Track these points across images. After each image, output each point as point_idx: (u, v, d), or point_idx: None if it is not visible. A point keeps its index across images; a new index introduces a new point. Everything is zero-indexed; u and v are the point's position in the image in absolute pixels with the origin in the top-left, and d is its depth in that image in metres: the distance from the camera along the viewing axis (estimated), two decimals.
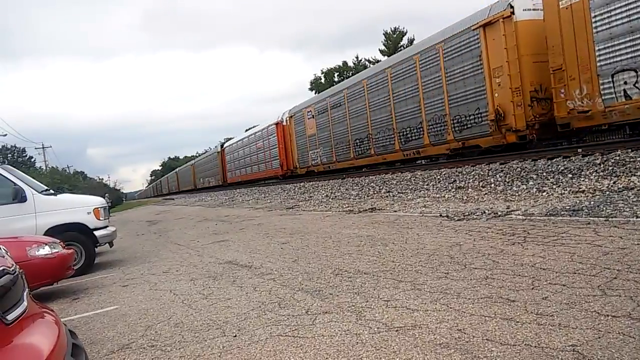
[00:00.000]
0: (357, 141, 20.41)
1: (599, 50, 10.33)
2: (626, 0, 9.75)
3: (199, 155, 77.41)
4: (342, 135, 21.74)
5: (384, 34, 55.42)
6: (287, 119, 27.96)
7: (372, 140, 19.23)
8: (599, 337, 2.66)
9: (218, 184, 45.28)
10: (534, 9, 12.31)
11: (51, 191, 9.33)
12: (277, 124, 29.29)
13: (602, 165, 9.05)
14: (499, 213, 7.62)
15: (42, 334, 2.08)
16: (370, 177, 17.00)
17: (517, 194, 9.49)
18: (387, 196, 13.59)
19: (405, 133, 17.09)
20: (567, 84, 11.13)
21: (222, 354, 3.30)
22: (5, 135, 53.35)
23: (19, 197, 8.15)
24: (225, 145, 43.86)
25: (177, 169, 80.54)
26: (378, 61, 45.84)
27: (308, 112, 25.18)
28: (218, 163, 44.72)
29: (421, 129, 16.19)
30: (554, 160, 10.38)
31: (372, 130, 19.09)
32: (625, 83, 9.95)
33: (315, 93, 54.35)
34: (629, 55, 9.82)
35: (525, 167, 10.68)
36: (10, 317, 1.95)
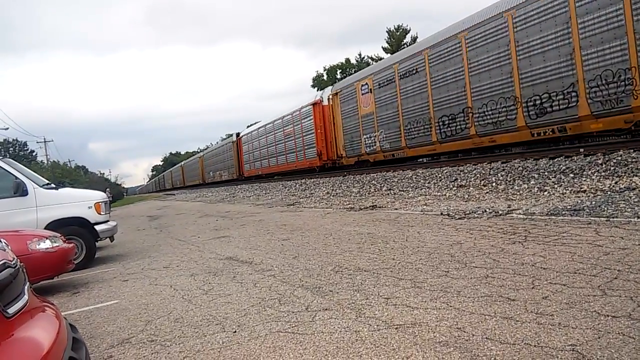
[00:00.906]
0: (444, 119, 15.12)
1: None
2: None
3: (206, 149, 73.35)
4: (417, 112, 16.27)
5: (387, 31, 55.38)
6: (331, 96, 22.87)
7: (471, 116, 14.04)
8: (599, 337, 2.66)
9: (232, 177, 40.71)
10: None
11: (52, 185, 9.34)
12: (314, 104, 24.10)
13: (604, 166, 9.03)
14: (500, 212, 7.61)
15: (42, 327, 2.08)
16: (372, 174, 17.00)
17: (518, 193, 9.48)
18: (388, 194, 13.58)
19: (539, 100, 11.92)
20: None
21: (222, 350, 3.31)
22: (7, 128, 53.60)
23: (20, 190, 8.16)
24: (242, 134, 38.50)
25: (182, 162, 75.49)
26: (381, 59, 45.46)
27: (363, 85, 19.59)
28: (233, 154, 40.04)
29: (574, 93, 11.03)
30: (556, 159, 10.37)
31: (474, 102, 13.90)
32: None
33: (318, 90, 54.08)
34: None
35: (527, 166, 10.67)
36: (11, 310, 1.96)
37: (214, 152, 50.23)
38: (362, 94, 19.72)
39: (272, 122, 30.89)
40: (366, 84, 19.49)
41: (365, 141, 19.79)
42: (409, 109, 16.79)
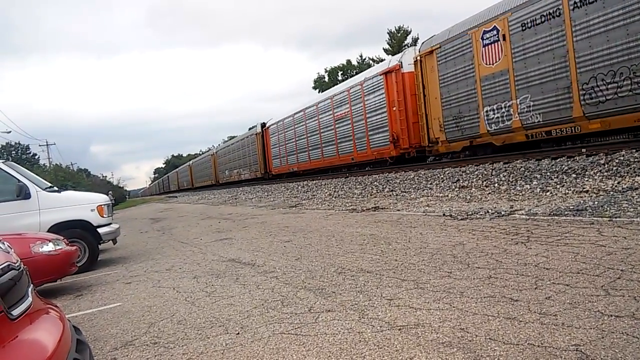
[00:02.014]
0: None
1: None
2: None
3: (223, 143, 68.05)
4: (613, 57, 9.94)
5: (388, 32, 55.49)
6: (420, 57, 15.98)
7: None
8: (603, 337, 2.65)
9: (255, 176, 34.65)
10: None
11: (55, 188, 9.37)
12: (387, 72, 17.56)
13: (606, 166, 9.02)
14: (503, 212, 7.60)
15: (46, 329, 2.09)
16: (374, 175, 16.99)
17: (520, 194, 9.47)
18: (390, 195, 13.58)
19: None
20: None
21: (225, 352, 3.31)
22: (10, 132, 53.44)
23: (23, 194, 8.18)
24: (269, 124, 31.77)
25: (190, 161, 68.97)
26: (382, 60, 45.51)
27: (486, 32, 13.13)
28: (256, 149, 33.66)
29: None
30: (558, 160, 10.35)
31: None
32: None
33: (319, 92, 53.96)
34: None
35: (529, 167, 10.66)
36: (16, 312, 1.96)
37: (230, 147, 42.87)
38: (485, 45, 13.26)
39: (314, 104, 24.59)
40: (494, 28, 12.94)
41: (487, 115, 13.28)
42: (594, 54, 10.29)
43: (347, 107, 20.76)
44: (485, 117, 13.47)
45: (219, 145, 54.74)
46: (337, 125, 21.76)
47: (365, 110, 19.27)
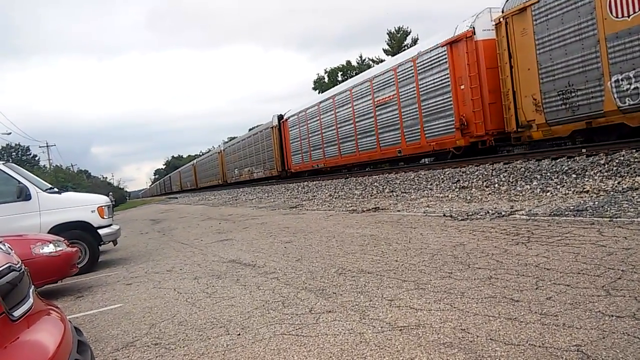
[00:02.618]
0: None
1: None
2: None
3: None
4: None
5: (387, 33, 55.51)
6: (503, 19, 12.45)
7: None
8: (604, 338, 2.65)
9: (270, 174, 31.41)
10: None
11: (55, 189, 9.37)
12: (452, 43, 14.20)
13: (606, 166, 9.02)
14: (503, 213, 7.60)
15: (48, 330, 2.09)
16: (374, 176, 16.99)
17: (521, 194, 9.47)
18: (390, 196, 13.58)
19: None
20: None
21: (226, 353, 3.31)
22: (10, 133, 53.40)
23: (24, 195, 8.19)
24: (288, 115, 28.46)
25: (194, 161, 65.77)
26: (382, 60, 45.42)
27: None
28: (272, 144, 30.31)
29: None
30: (558, 160, 10.35)
31: None
32: None
33: (319, 92, 53.90)
34: None
35: (529, 167, 10.66)
36: (17, 313, 1.97)
37: (240, 143, 39.08)
38: None
39: (346, 89, 21.04)
40: None
41: (618, 86, 9.97)
42: None
43: (392, 89, 17.23)
44: (615, 89, 10.03)
45: (226, 141, 50.92)
46: (378, 112, 18.13)
47: (419, 91, 15.80)
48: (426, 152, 16.63)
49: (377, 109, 18.44)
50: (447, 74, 14.52)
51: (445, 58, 14.56)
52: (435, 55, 15.05)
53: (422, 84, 15.75)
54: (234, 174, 40.24)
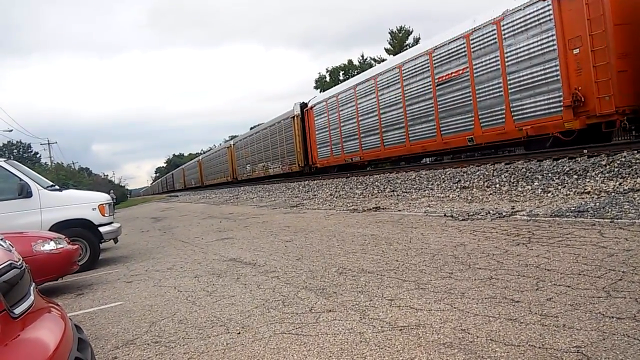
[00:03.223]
0: None
1: None
2: None
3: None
4: None
5: (389, 32, 55.35)
6: None
7: None
8: (604, 339, 2.65)
9: (290, 170, 27.53)
10: None
11: (56, 187, 9.38)
12: None
13: (607, 167, 9.00)
14: (504, 213, 7.60)
15: (48, 328, 2.09)
16: (375, 176, 16.98)
17: (522, 195, 9.47)
18: (391, 195, 13.58)
19: None
20: None
21: (226, 351, 3.31)
22: (11, 130, 53.38)
23: (25, 192, 8.19)
24: (313, 103, 24.75)
25: (200, 157, 61.96)
26: (384, 59, 45.23)
27: None
28: (293, 135, 26.41)
29: None
30: (560, 161, 10.34)
31: None
32: None
33: (321, 92, 53.83)
34: None
35: (531, 168, 10.65)
36: (17, 311, 1.97)
37: (254, 137, 34.83)
38: None
39: (393, 67, 17.52)
40: None
41: None
42: None
43: (461, 63, 14.02)
44: None
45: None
46: (440, 92, 14.86)
47: (504, 61, 12.55)
48: (513, 139, 13.05)
49: (438, 88, 14.90)
50: (552, 35, 11.25)
51: (549, 15, 11.27)
52: (533, 12, 11.68)
53: (510, 51, 12.37)
54: (246, 171, 36.25)
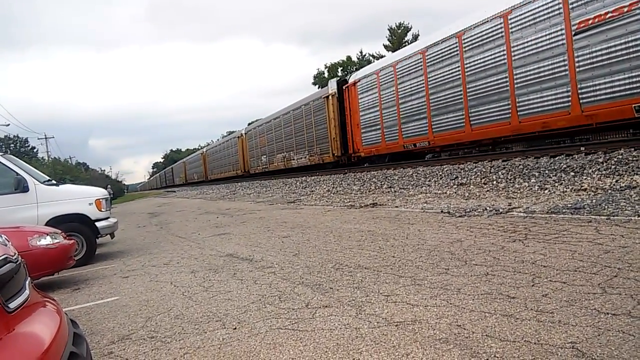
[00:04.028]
0: None
1: None
2: None
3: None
4: None
5: (388, 29, 55.30)
6: None
7: None
8: (599, 335, 2.66)
9: (319, 161, 23.46)
10: None
11: (53, 182, 9.35)
12: None
13: (604, 164, 9.03)
14: (501, 210, 7.61)
15: (43, 322, 2.09)
16: (372, 172, 16.99)
17: (519, 191, 9.48)
18: (388, 191, 13.59)
19: None
20: None
21: (222, 346, 3.31)
22: (8, 125, 53.23)
23: (21, 187, 8.16)
24: (357, 78, 19.93)
25: (203, 149, 57.47)
26: (382, 56, 45.10)
27: None
28: (325, 119, 22.22)
29: None
30: (557, 158, 10.36)
31: None
32: None
33: (319, 88, 53.67)
34: None
35: (528, 165, 10.67)
36: (13, 305, 1.96)
37: (271, 124, 30.20)
38: None
39: (493, 17, 12.63)
40: None
41: None
42: None
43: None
44: None
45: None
46: (579, 45, 10.46)
47: None
48: None
49: (576, 39, 10.48)
50: None
51: None
52: None
53: None
54: (261, 162, 31.85)
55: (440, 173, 13.03)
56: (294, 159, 26.68)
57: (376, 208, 10.61)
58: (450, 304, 3.52)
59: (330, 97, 22.17)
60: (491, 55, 12.81)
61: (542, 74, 11.43)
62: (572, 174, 9.28)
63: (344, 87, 21.21)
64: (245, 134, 36.97)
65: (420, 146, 16.47)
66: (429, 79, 15.37)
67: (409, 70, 16.47)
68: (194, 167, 57.93)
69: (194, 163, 58.43)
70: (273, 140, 30.02)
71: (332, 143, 22.18)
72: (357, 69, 41.08)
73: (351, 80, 20.81)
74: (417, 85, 15.97)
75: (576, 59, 10.65)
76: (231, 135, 44.94)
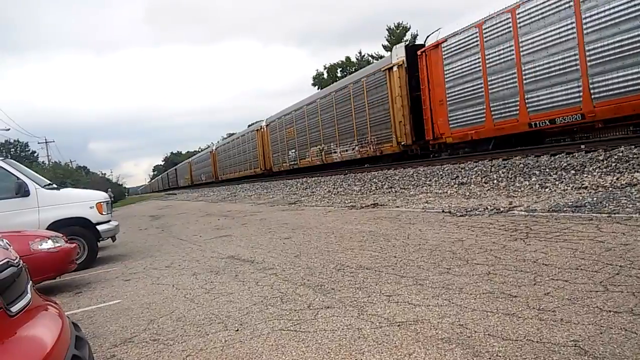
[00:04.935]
0: None
1: None
2: None
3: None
4: None
5: (387, 29, 55.21)
6: None
7: None
8: (601, 333, 2.66)
9: (375, 153, 18.83)
10: None
11: (54, 185, 9.36)
12: None
13: (605, 162, 9.02)
14: (502, 209, 7.61)
15: (45, 326, 2.09)
16: (373, 172, 16.99)
17: (519, 190, 9.48)
18: (389, 192, 13.59)
19: None
20: None
21: (224, 348, 3.31)
22: (9, 129, 53.26)
23: (22, 191, 8.16)
24: (440, 35, 15.08)
25: (212, 147, 53.07)
26: (382, 57, 44.95)
27: None
28: (387, 97, 17.55)
29: None
30: (557, 156, 10.35)
31: None
32: None
33: (319, 89, 53.58)
34: None
35: (528, 163, 10.66)
36: (15, 309, 1.96)
37: (302, 111, 25.27)
38: None
39: None
40: None
41: None
42: None
43: None
44: None
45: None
46: None
47: None
48: None
49: None
50: None
51: None
52: None
53: None
54: (288, 158, 27.11)
55: (441, 173, 13.04)
56: (335, 152, 21.81)
57: (377, 208, 10.61)
58: (452, 303, 3.52)
59: (394, 69, 16.81)
60: None
61: None
62: (573, 172, 9.28)
63: (418, 54, 15.97)
64: (267, 125, 31.24)
65: (563, 122, 11.44)
66: (585, 23, 10.52)
67: (542, 14, 11.56)
68: (201, 167, 53.73)
69: (202, 163, 53.97)
70: (305, 130, 24.90)
71: (396, 128, 17.10)
72: (356, 70, 40.03)
73: (430, 42, 15.47)
74: (560, 33, 11.16)
75: None
76: (247, 128, 38.51)
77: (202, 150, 69.85)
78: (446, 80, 14.81)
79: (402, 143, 17.09)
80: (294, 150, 26.77)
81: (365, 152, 19.39)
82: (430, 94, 15.46)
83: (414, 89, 16.48)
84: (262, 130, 32.13)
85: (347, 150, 20.87)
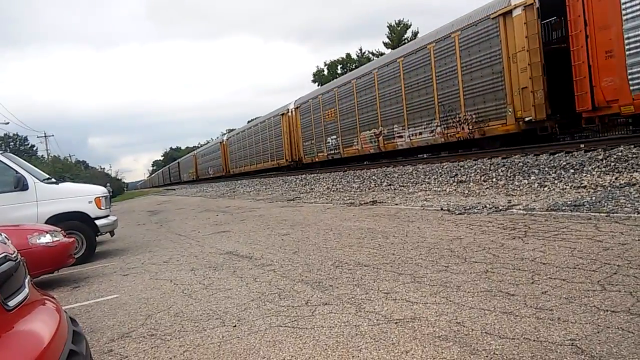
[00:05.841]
0: None
1: None
2: None
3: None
4: None
5: (388, 26, 55.15)
6: None
7: None
8: (598, 332, 2.66)
9: (468, 136, 14.06)
10: None
11: (53, 180, 9.34)
12: None
13: (604, 161, 9.03)
14: (500, 207, 7.61)
15: (43, 320, 2.08)
16: (372, 169, 16.99)
17: (518, 189, 9.48)
18: (388, 189, 13.59)
19: None
20: None
21: (222, 344, 3.31)
22: (8, 123, 52.97)
23: (21, 185, 8.15)
24: None
25: (223, 138, 46.65)
26: (382, 54, 44.88)
27: None
28: (499, 53, 12.69)
29: None
30: (556, 155, 10.36)
31: None
32: None
33: (319, 85, 53.52)
34: None
35: (527, 162, 10.67)
36: (12, 303, 1.96)
37: (349, 86, 20.62)
38: None
39: None
40: None
41: None
42: None
43: None
44: None
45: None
46: None
47: None
48: None
49: None
50: None
51: None
52: None
53: None
54: (327, 147, 22.50)
55: (440, 171, 13.04)
56: (400, 137, 17.15)
57: (376, 206, 10.61)
58: (450, 301, 3.52)
59: (515, 12, 12.29)
60: None
61: None
62: (572, 171, 9.28)
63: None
64: (296, 108, 25.92)
65: None
66: None
67: None
68: (209, 159, 48.57)
69: (209, 155, 48.85)
70: (353, 110, 20.04)
71: (515, 98, 12.49)
72: (355, 67, 39.14)
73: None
74: None
75: None
76: (270, 113, 31.98)
77: (201, 146, 68.90)
78: (625, 15, 9.77)
79: (528, 118, 12.26)
80: (335, 137, 21.82)
81: (453, 134, 14.76)
82: (589, 42, 10.56)
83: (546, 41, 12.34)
84: (290, 114, 26.83)
85: (420, 133, 16.17)
